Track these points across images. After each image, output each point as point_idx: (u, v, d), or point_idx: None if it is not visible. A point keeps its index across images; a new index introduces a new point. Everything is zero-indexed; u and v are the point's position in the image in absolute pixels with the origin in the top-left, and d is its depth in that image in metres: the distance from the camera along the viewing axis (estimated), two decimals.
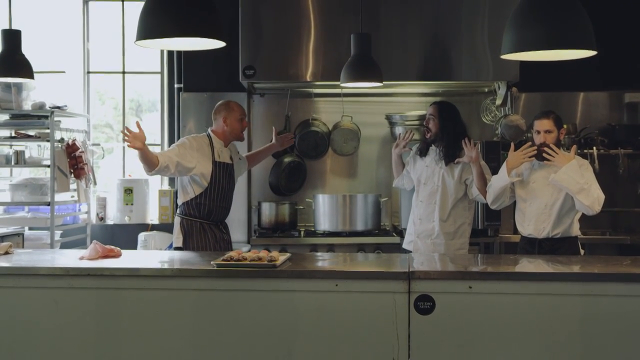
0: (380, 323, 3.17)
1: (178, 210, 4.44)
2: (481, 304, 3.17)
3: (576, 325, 3.15)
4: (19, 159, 5.79)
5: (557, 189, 4.03)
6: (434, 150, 4.62)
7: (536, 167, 4.16)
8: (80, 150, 5.91)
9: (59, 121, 5.88)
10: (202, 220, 4.33)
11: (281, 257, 3.40)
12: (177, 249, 4.36)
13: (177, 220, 4.43)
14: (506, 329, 3.16)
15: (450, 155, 4.52)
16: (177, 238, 4.38)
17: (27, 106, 5.86)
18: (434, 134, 4.58)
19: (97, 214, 6.28)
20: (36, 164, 5.98)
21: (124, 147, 6.57)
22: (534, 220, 4.11)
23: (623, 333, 3.13)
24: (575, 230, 4.10)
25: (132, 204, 6.12)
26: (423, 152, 4.68)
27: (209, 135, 4.43)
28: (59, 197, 5.83)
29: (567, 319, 3.15)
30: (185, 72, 5.92)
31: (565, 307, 3.15)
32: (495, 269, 3.50)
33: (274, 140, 4.89)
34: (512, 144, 4.18)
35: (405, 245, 4.78)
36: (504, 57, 3.12)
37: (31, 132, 5.83)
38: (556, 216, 4.04)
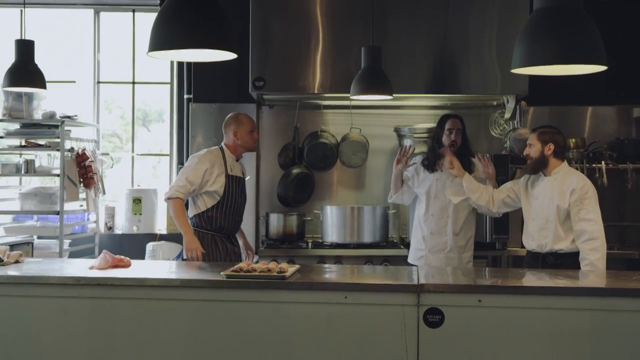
0: (389, 336, 3.16)
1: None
2: (490, 318, 3.16)
3: (585, 339, 3.14)
4: (29, 168, 5.82)
5: (556, 204, 4.03)
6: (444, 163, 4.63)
7: (538, 182, 4.17)
8: (89, 159, 5.94)
9: (69, 130, 5.92)
10: (213, 233, 4.34)
11: (290, 269, 3.40)
12: (186, 260, 4.35)
13: None
14: (515, 343, 3.15)
15: (466, 167, 4.54)
16: None
17: (37, 115, 5.90)
18: (459, 147, 4.60)
19: (106, 224, 6.30)
20: (46, 173, 6.01)
21: (132, 157, 6.60)
22: (536, 235, 4.11)
23: (632, 348, 3.12)
24: None
25: (140, 214, 6.15)
26: (431, 167, 4.68)
27: (221, 149, 4.44)
28: (68, 206, 5.85)
29: (576, 333, 3.14)
30: (195, 83, 5.94)
31: (574, 321, 3.15)
32: (504, 282, 3.49)
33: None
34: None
35: (411, 260, 4.78)
36: (514, 71, 3.13)
37: (41, 142, 5.86)
38: (557, 231, 4.03)
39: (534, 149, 4.12)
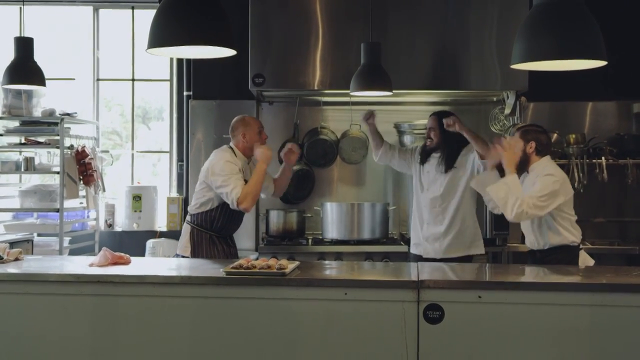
0: (389, 332, 3.17)
1: (189, 218, 4.38)
2: (490, 314, 3.16)
3: (585, 335, 3.15)
4: (29, 166, 5.82)
5: None
6: (435, 158, 4.65)
7: (523, 180, 4.18)
8: (89, 157, 5.93)
9: (69, 128, 5.91)
10: (212, 233, 4.33)
11: (290, 266, 3.40)
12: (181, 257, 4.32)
13: (186, 228, 4.38)
14: (515, 338, 3.15)
15: (450, 164, 4.59)
16: (184, 247, 4.33)
17: (37, 113, 5.89)
18: (435, 144, 4.62)
19: (106, 221, 6.30)
20: (46, 170, 6.01)
21: (132, 154, 6.59)
22: (528, 232, 4.13)
23: (633, 344, 3.12)
24: (569, 238, 3.99)
25: (140, 211, 6.14)
26: (423, 159, 4.71)
27: (231, 148, 4.35)
28: (68, 203, 5.85)
29: (576, 329, 3.14)
30: (195, 80, 5.94)
31: (575, 317, 3.15)
32: (504, 278, 3.50)
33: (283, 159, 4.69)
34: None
35: (411, 250, 4.79)
36: (514, 67, 3.12)
37: (41, 139, 5.86)
38: (539, 227, 4.02)
39: (517, 147, 4.13)
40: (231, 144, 4.40)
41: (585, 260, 4.08)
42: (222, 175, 4.16)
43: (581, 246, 4.09)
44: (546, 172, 3.94)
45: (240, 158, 4.33)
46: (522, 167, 4.15)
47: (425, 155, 4.72)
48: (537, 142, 4.08)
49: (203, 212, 4.30)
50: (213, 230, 4.31)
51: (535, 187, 3.90)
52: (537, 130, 4.13)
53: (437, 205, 4.61)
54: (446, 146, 4.60)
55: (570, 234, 4.00)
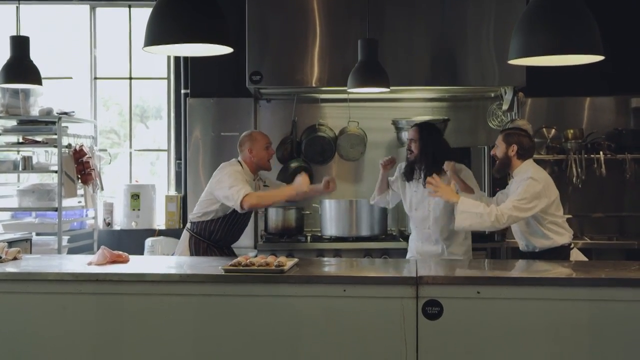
0: (388, 328, 3.16)
1: (189, 225, 4.38)
2: (489, 309, 3.16)
3: (584, 330, 3.14)
4: (27, 165, 5.81)
5: None
6: (417, 174, 4.50)
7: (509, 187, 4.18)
8: (87, 155, 5.92)
9: (66, 127, 5.90)
10: (209, 242, 4.32)
11: (289, 263, 3.40)
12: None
13: (185, 235, 4.39)
14: (514, 334, 3.15)
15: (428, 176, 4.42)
16: (183, 253, 4.35)
17: (34, 112, 5.88)
18: (415, 156, 4.47)
19: (104, 220, 6.30)
20: (44, 169, 6.00)
21: (130, 153, 6.59)
22: (518, 237, 4.14)
23: (631, 338, 3.12)
24: (558, 242, 3.99)
25: (138, 210, 6.14)
26: (408, 177, 4.55)
27: (239, 162, 4.33)
28: (66, 202, 5.85)
29: (575, 324, 3.14)
30: (192, 78, 5.94)
31: (574, 312, 3.15)
32: (503, 274, 3.50)
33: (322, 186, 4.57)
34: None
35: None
36: (511, 62, 3.12)
37: (39, 138, 5.85)
38: (528, 233, 4.03)
39: (499, 149, 4.14)
40: (239, 158, 4.39)
41: (578, 258, 4.08)
42: (230, 180, 4.10)
43: (572, 245, 4.09)
44: (528, 176, 3.94)
45: (247, 173, 4.29)
46: (504, 169, 4.17)
47: (409, 171, 4.52)
48: (519, 145, 4.07)
49: (204, 221, 4.30)
50: (211, 240, 4.32)
51: (517, 191, 3.92)
52: (520, 134, 4.12)
53: (427, 227, 4.47)
54: (424, 159, 4.42)
55: (560, 237, 4.00)
